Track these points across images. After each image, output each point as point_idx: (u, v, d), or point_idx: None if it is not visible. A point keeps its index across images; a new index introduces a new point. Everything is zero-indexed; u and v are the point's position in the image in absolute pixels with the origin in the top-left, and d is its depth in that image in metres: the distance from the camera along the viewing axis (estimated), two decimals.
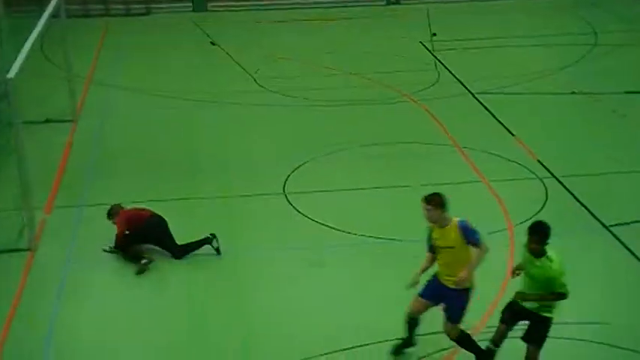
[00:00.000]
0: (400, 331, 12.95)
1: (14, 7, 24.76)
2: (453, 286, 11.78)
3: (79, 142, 20.50)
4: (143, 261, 15.11)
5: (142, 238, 15.47)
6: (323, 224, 16.63)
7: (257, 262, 15.41)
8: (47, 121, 21.24)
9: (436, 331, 12.61)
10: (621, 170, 18.82)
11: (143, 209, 15.75)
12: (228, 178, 18.57)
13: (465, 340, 12.16)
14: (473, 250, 11.79)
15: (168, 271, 14.61)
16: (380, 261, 15.54)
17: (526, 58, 24.13)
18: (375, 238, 16.18)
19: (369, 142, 20.17)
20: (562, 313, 13.41)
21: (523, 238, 15.66)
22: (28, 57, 16.76)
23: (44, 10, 19.93)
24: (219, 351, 12.92)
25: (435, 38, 27.14)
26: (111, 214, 15.66)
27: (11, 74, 15.66)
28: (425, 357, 12.76)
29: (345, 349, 12.88)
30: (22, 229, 16.01)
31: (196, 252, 15.15)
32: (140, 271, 15.02)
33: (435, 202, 11.67)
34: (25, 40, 17.54)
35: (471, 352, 12.11)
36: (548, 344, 12.83)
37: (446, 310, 12.02)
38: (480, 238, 11.80)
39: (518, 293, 11.56)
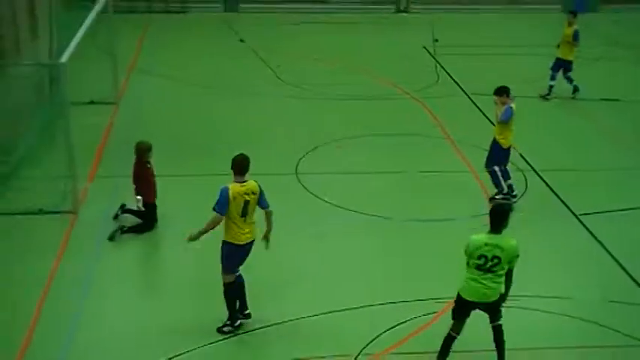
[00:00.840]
0: (385, 295, 13.15)
1: (72, 3, 24.86)
2: None
3: (118, 122, 20.62)
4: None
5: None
6: (327, 202, 16.69)
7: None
8: (92, 102, 21.28)
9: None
10: (591, 168, 18.90)
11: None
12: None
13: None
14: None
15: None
16: (374, 235, 15.65)
17: (515, 65, 24.14)
18: (371, 215, 16.21)
19: (373, 133, 20.23)
20: (532, 289, 13.67)
21: None
22: (78, 45, 16.87)
23: (95, 5, 20.16)
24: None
25: (436, 44, 27.14)
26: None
27: (63, 59, 15.85)
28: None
29: (338, 311, 12.99)
30: (67, 194, 16.09)
31: None
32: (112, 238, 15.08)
33: None
34: (78, 31, 17.65)
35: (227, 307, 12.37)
36: (517, 315, 13.03)
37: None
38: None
39: None
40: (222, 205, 11.78)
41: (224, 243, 12.08)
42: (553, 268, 14.58)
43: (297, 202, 16.77)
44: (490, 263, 10.88)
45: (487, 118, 21.46)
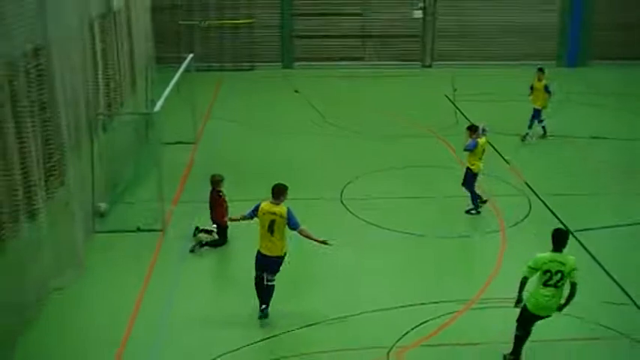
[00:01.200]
0: (415, 297, 13.15)
1: (163, 64, 25.15)
2: None
3: (197, 158, 20.81)
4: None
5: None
6: (366, 221, 16.73)
7: (318, 247, 15.50)
8: (178, 142, 21.43)
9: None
10: (584, 193, 18.74)
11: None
12: (300, 186, 18.43)
13: None
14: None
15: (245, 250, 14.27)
16: (406, 249, 15.67)
17: (520, 110, 23.89)
18: (404, 233, 16.23)
19: (403, 165, 20.21)
20: None
21: (512, 237, 15.98)
22: (167, 98, 17.22)
23: (180, 66, 20.52)
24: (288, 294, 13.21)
25: (456, 93, 27.08)
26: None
27: (156, 109, 16.22)
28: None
29: (375, 311, 13.06)
30: (157, 216, 16.30)
31: None
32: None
33: None
34: (167, 86, 18.05)
35: None
36: (516, 311, 12.95)
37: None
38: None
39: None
40: (251, 211, 12.50)
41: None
42: None
43: (343, 222, 16.81)
44: (555, 277, 10.89)
45: (497, 151, 21.44)
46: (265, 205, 12.25)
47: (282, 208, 12.17)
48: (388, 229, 16.36)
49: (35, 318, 12.58)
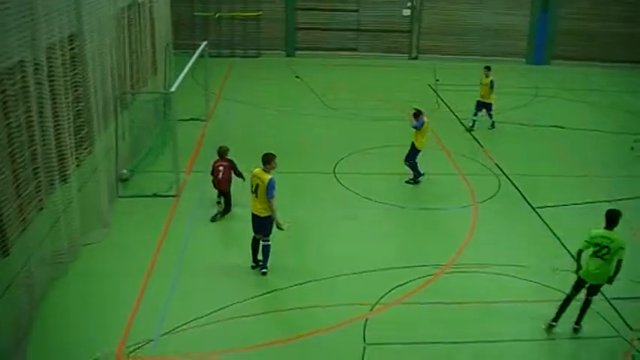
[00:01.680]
0: (397, 261, 13.31)
1: (179, 50, 25.10)
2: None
3: (208, 133, 20.78)
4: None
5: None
6: (357, 193, 16.82)
7: (313, 214, 15.62)
8: (191, 119, 21.42)
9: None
10: (547, 174, 18.81)
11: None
12: (299, 160, 18.69)
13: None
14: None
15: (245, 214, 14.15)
16: (391, 218, 15.79)
17: (496, 100, 24.02)
18: (388, 204, 16.33)
19: (390, 144, 20.13)
20: (500, 260, 13.78)
21: (483, 210, 16.11)
22: (183, 80, 17.21)
23: (195, 52, 20.48)
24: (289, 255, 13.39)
25: (438, 82, 27.09)
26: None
27: (173, 89, 16.24)
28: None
29: (361, 272, 13.20)
30: (172, 183, 16.36)
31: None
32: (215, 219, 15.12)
33: None
34: (183, 69, 18.05)
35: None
36: (489, 278, 13.15)
37: None
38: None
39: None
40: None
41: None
42: (516, 245, 14.66)
43: (335, 193, 16.87)
44: (603, 251, 10.98)
45: (472, 135, 21.56)
46: (256, 170, 12.51)
47: (266, 176, 12.30)
48: (374, 201, 16.45)
49: (67, 269, 12.76)
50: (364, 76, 29.69)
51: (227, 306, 11.82)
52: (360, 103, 24.85)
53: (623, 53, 33.27)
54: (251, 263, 13.07)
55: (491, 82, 21.72)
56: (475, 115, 22.31)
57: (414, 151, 17.40)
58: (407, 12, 32.98)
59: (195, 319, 11.41)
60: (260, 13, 32.33)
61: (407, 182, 17.51)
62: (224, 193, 15.37)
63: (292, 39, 32.88)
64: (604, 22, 33.03)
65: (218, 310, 11.70)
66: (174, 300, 12.05)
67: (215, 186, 15.43)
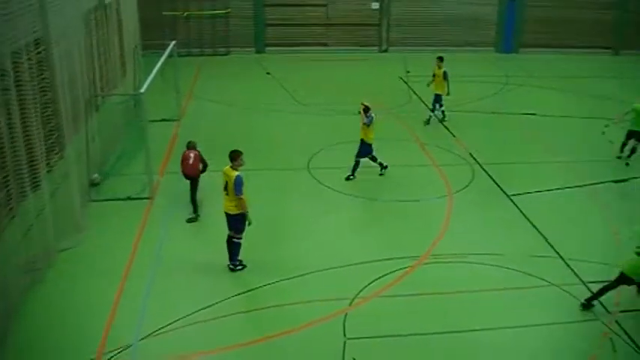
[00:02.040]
0: (373, 254, 13.34)
1: (148, 50, 24.83)
2: None
3: (181, 133, 20.59)
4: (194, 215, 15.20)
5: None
6: (332, 188, 16.80)
7: (290, 208, 15.64)
8: (163, 120, 21.27)
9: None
10: (519, 161, 18.96)
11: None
12: (272, 157, 18.69)
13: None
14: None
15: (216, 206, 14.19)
16: (364, 211, 15.84)
17: (465, 89, 24.11)
18: (362, 197, 16.37)
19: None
20: (476, 249, 13.83)
21: (458, 200, 16.18)
22: (153, 80, 17.05)
23: (164, 52, 20.31)
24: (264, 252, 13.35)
25: (408, 74, 27.12)
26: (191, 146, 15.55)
27: (142, 90, 16.10)
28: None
29: (339, 267, 13.18)
30: (146, 185, 16.25)
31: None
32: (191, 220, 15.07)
33: None
34: (152, 70, 17.88)
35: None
36: (466, 268, 13.20)
37: None
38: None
39: None
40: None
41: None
42: (492, 234, 14.73)
43: (309, 188, 16.86)
44: None
45: (446, 127, 21.60)
46: (225, 168, 12.51)
47: (233, 173, 12.34)
48: (350, 195, 16.47)
49: (43, 275, 12.61)
50: (335, 70, 29.63)
51: (205, 307, 11.75)
52: (331, 98, 24.78)
53: (589, 40, 33.64)
54: (227, 262, 13.00)
55: (444, 73, 21.37)
56: (433, 110, 22.02)
57: (365, 147, 17.24)
58: (376, 5, 32.99)
59: (173, 322, 11.33)
60: (229, 10, 32.14)
61: (380, 174, 17.57)
62: (193, 177, 15.34)
63: (262, 36, 32.73)
64: (570, 9, 33.38)
65: (196, 311, 11.62)
66: (151, 302, 11.95)
67: (184, 173, 15.38)
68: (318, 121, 22.15)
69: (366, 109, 17.02)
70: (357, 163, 17.34)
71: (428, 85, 22.25)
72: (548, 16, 33.46)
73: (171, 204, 15.77)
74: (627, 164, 18.75)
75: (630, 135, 18.92)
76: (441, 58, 21.72)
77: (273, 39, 32.85)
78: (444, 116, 22.12)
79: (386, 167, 17.60)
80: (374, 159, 17.41)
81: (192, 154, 15.40)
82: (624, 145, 19.10)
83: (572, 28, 33.55)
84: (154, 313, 11.60)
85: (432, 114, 22.02)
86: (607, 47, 33.78)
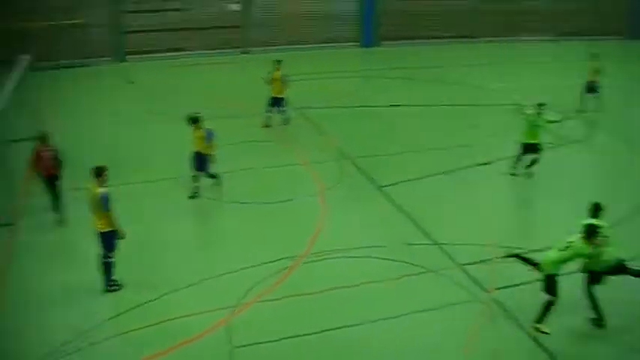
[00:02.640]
0: (250, 258, 13.17)
1: None
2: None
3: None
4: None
5: None
6: (205, 196, 16.33)
7: (162, 222, 15.05)
8: (21, 140, 19.44)
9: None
10: (387, 152, 19.27)
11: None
12: (141, 169, 18.08)
13: None
14: None
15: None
16: (238, 216, 15.41)
17: (329, 86, 24.30)
18: (231, 202, 16.01)
19: (228, 143, 18.59)
20: (356, 243, 13.90)
21: (330, 197, 16.21)
22: (7, 98, 16.11)
23: (16, 68, 19.03)
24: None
25: (269, 74, 26.35)
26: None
27: None
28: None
29: (218, 276, 12.91)
30: (8, 211, 15.12)
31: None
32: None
33: None
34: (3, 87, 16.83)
35: None
36: (348, 262, 13.21)
37: None
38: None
39: None
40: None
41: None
42: (368, 226, 14.89)
43: (182, 198, 16.32)
44: None
45: (312, 125, 21.60)
46: (90, 185, 12.04)
47: (97, 190, 11.89)
48: (218, 201, 16.22)
49: None
50: (197, 75, 29.01)
51: (83, 332, 11.16)
52: (193, 105, 23.90)
53: (445, 29, 34.88)
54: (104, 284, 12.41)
55: (282, 76, 20.99)
56: (269, 111, 21.36)
57: (208, 160, 16.29)
58: (235, 6, 32.68)
59: (49, 354, 10.67)
60: (82, 20, 30.88)
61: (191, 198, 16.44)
62: (55, 177, 14.73)
63: (122, 44, 31.70)
64: (426, 0, 34.42)
65: (73, 340, 11.00)
66: (26, 334, 11.27)
67: (42, 174, 14.70)
68: (182, 130, 21.08)
69: (196, 121, 16.08)
70: (210, 174, 16.54)
71: (267, 83, 21.48)
72: (405, 7, 34.28)
73: (36, 227, 14.90)
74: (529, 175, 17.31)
75: (526, 149, 17.00)
76: (279, 61, 21.37)
77: (134, 47, 31.83)
78: (288, 119, 21.62)
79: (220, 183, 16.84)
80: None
81: (48, 152, 14.80)
82: (518, 159, 17.26)
83: (429, 19, 34.56)
84: (31, 345, 10.92)
85: (270, 114, 21.35)
86: (464, 36, 35.12)
